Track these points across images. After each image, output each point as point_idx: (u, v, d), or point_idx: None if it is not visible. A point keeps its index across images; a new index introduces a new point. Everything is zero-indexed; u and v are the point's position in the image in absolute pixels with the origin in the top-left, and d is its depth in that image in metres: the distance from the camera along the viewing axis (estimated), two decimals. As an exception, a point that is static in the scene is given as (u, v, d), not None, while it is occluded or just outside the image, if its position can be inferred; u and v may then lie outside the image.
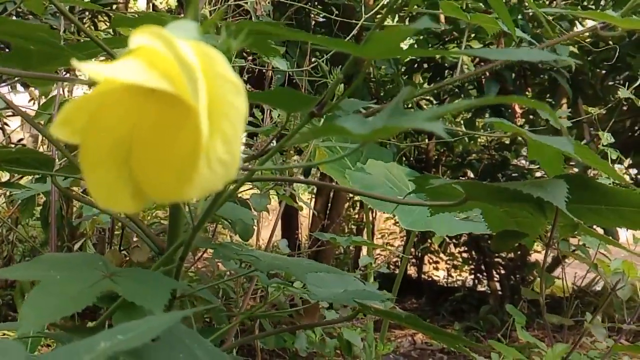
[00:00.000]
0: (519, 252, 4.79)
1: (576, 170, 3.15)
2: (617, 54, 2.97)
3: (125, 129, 0.35)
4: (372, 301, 1.00)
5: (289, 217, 3.46)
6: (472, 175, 4.91)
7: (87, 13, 2.99)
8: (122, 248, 2.00)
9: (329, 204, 3.59)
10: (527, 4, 3.27)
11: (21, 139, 3.53)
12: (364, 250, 3.17)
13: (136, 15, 0.75)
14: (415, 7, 1.13)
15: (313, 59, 2.29)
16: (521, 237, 0.80)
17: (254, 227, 1.15)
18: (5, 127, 3.20)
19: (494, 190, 0.78)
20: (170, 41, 0.31)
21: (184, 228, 0.72)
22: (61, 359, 0.39)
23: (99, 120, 0.33)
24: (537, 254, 4.84)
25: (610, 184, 1.00)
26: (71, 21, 0.80)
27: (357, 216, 5.47)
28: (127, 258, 1.70)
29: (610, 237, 1.01)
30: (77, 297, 0.50)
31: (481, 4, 3.07)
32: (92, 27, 3.82)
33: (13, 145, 3.35)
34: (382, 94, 4.10)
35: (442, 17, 2.79)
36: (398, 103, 0.45)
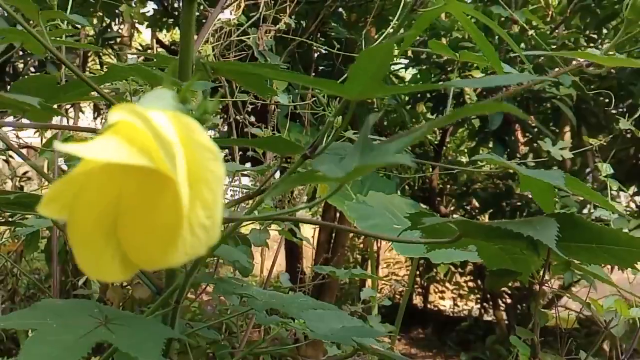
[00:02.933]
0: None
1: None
2: (618, 82, 2.99)
3: (110, 201, 0.36)
4: (371, 339, 1.00)
5: (292, 246, 3.47)
6: (476, 204, 4.91)
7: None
8: (124, 284, 2.01)
9: (333, 233, 3.60)
10: (529, 34, 3.30)
11: (26, 172, 3.56)
12: (369, 280, 3.16)
13: (130, 66, 0.77)
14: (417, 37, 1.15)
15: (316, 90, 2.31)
16: (515, 275, 0.81)
17: (254, 263, 1.16)
18: (10, 159, 3.23)
19: (486, 229, 0.79)
20: (146, 118, 0.32)
21: (180, 269, 0.73)
22: None
23: (83, 195, 0.34)
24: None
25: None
26: (62, 63, 0.81)
27: (362, 245, 5.47)
28: (130, 293, 1.71)
29: (603, 276, 1.01)
30: (72, 347, 0.51)
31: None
32: (98, 60, 3.87)
33: (18, 178, 3.38)
34: (385, 124, 4.12)
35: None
36: (365, 139, 0.47)
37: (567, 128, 3.86)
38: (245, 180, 2.05)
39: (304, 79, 0.51)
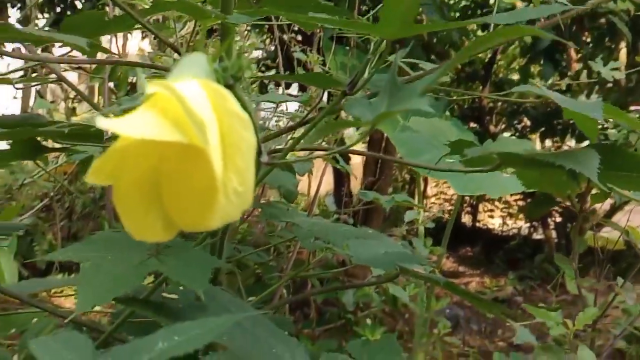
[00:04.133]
0: (576, 199, 4.74)
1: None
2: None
3: (150, 169, 0.39)
4: (414, 264, 1.03)
5: (339, 174, 3.49)
6: (528, 123, 4.84)
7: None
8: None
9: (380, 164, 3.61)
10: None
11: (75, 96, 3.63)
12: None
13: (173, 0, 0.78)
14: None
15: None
16: (554, 204, 0.82)
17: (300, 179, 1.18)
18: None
19: (528, 160, 0.80)
20: (179, 95, 0.34)
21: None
22: (123, 358, 0.43)
23: (126, 164, 0.37)
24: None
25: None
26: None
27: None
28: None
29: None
30: (125, 277, 0.55)
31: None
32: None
33: (71, 99, 3.45)
34: (435, 41, 4.04)
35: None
36: (393, 79, 0.48)
37: (623, 44, 3.74)
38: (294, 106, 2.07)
39: (338, 22, 0.52)
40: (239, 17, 0.78)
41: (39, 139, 1.05)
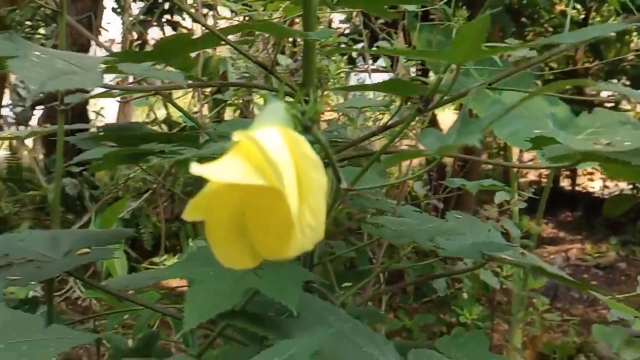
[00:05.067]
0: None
1: None
2: None
3: (237, 206, 0.44)
4: (503, 251, 1.06)
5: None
6: (626, 82, 4.68)
7: None
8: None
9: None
10: None
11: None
12: (512, 173, 3.14)
13: (259, 22, 0.83)
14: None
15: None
16: (634, 201, 0.83)
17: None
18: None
19: (604, 157, 0.82)
20: (259, 143, 0.39)
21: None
22: None
23: (216, 202, 0.42)
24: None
25: None
26: (199, 22, 0.89)
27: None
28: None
29: None
30: (228, 294, 0.61)
31: None
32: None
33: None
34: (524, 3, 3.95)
35: None
36: (464, 117, 0.51)
37: None
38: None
39: (409, 52, 0.55)
40: (321, 33, 0.82)
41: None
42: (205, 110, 1.94)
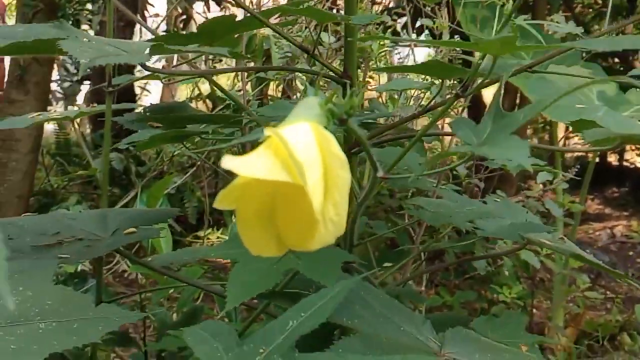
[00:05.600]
0: None
1: None
2: None
3: (266, 198, 0.46)
4: (540, 233, 1.06)
5: (474, 118, 3.47)
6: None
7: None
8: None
9: (517, 100, 3.56)
10: None
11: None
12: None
13: (299, 7, 0.84)
14: None
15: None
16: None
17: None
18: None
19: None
20: (285, 141, 0.41)
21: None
22: (260, 341, 0.52)
23: (246, 193, 0.44)
24: None
25: None
26: (240, 5, 0.91)
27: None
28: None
29: None
30: (268, 275, 0.63)
31: None
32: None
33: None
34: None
35: None
36: (497, 108, 0.52)
37: None
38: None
39: (446, 43, 0.56)
40: (362, 18, 0.83)
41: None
42: (249, 88, 1.96)
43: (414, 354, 0.64)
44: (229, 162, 0.39)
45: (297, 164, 0.40)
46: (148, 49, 0.65)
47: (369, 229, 1.19)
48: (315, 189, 0.41)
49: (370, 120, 1.08)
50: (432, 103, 0.93)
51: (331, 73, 0.90)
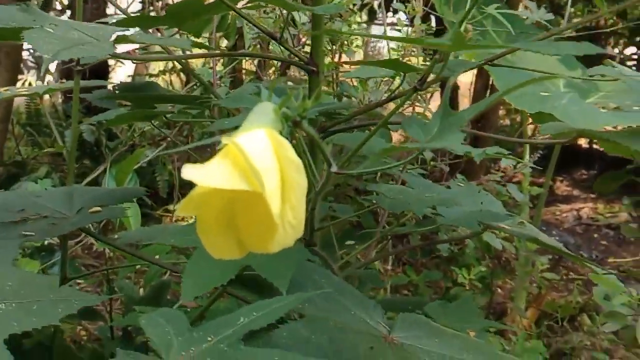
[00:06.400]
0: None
1: None
2: None
3: (225, 204, 0.48)
4: (500, 220, 1.09)
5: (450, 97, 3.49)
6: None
7: None
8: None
9: (490, 86, 3.59)
10: None
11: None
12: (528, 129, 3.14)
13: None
14: None
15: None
16: (624, 178, 0.86)
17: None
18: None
19: (602, 137, 0.85)
20: (243, 150, 0.43)
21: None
22: (211, 331, 0.55)
23: (206, 201, 0.46)
24: None
25: None
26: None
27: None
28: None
29: None
30: (224, 270, 0.65)
31: None
32: None
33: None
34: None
35: None
36: (445, 107, 0.54)
37: None
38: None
39: (408, 40, 0.58)
40: (327, 7, 0.84)
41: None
42: (220, 66, 1.96)
43: (363, 337, 0.66)
44: (188, 172, 0.41)
45: (255, 172, 0.42)
46: (112, 39, 0.66)
47: (332, 212, 1.22)
48: (273, 194, 0.43)
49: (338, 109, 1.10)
50: (396, 92, 0.95)
51: (296, 59, 0.91)
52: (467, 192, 1.21)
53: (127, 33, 0.76)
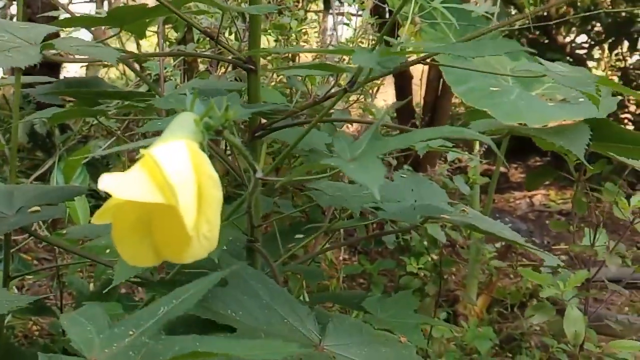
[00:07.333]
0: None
1: None
2: None
3: (141, 213, 0.49)
4: (444, 212, 1.11)
5: (403, 84, 3.52)
6: (600, 29, 4.71)
7: None
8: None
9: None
10: None
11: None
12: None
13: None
14: None
15: None
16: (552, 175, 0.89)
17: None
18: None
19: (529, 133, 0.88)
20: (158, 163, 0.44)
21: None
22: (132, 325, 0.56)
23: (122, 210, 0.47)
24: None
25: None
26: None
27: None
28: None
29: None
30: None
31: None
32: None
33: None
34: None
35: None
36: (375, 130, 0.56)
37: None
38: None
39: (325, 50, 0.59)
40: (262, 8, 0.86)
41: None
42: (170, 60, 1.95)
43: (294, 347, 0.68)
44: (104, 182, 0.42)
45: (170, 185, 0.43)
46: (39, 47, 0.66)
47: (276, 207, 1.23)
48: (188, 207, 0.44)
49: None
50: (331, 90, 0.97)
51: (232, 57, 0.92)
52: (411, 183, 1.23)
53: (56, 38, 0.76)
